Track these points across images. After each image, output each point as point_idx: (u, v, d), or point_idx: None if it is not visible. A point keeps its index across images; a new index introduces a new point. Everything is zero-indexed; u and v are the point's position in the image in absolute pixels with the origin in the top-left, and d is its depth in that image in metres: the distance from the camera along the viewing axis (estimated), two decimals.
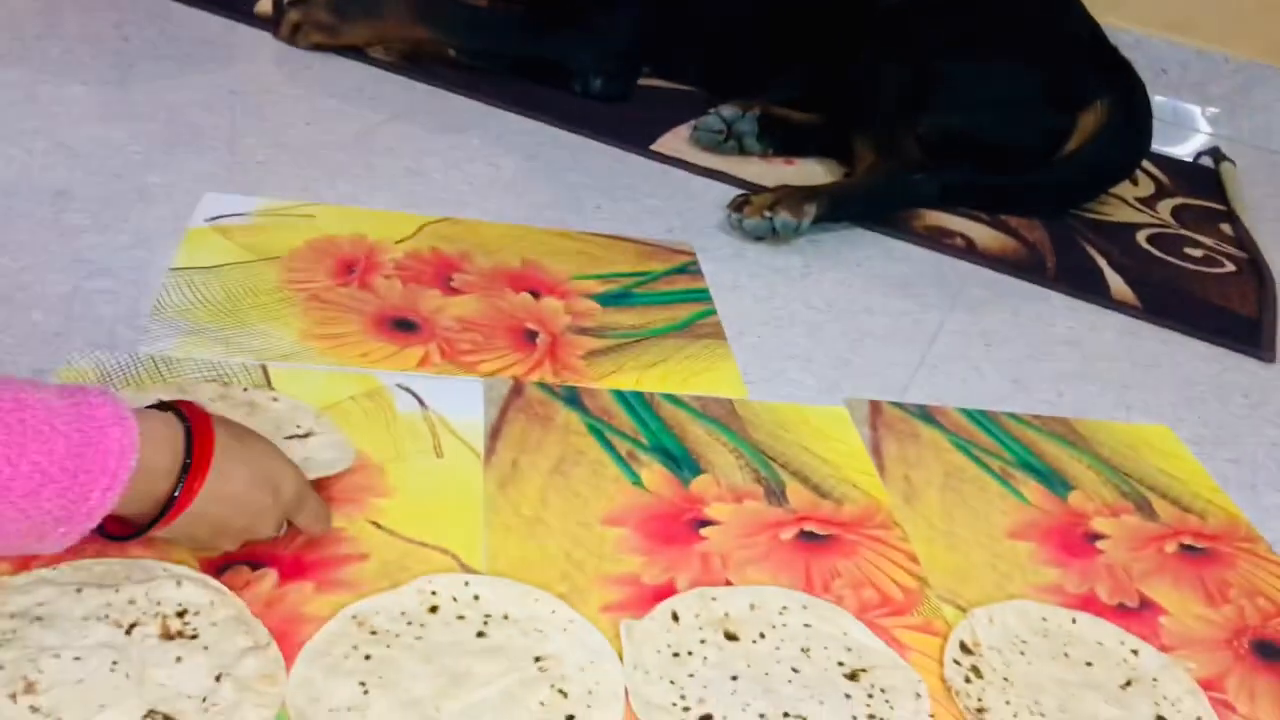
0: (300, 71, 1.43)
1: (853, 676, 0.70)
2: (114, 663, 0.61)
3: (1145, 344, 1.21)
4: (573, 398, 0.92)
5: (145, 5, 1.52)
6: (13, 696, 0.58)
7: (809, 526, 0.83)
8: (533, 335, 0.99)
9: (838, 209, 1.30)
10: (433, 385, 0.90)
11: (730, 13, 1.56)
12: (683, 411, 0.93)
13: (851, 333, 1.11)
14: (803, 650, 0.72)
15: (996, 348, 1.14)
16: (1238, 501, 0.96)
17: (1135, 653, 0.77)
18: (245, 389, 0.84)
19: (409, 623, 0.68)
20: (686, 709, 0.66)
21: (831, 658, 0.71)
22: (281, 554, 0.71)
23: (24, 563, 0.66)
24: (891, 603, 0.78)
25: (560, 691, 0.65)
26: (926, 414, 0.99)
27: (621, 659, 0.68)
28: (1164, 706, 0.73)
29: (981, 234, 1.36)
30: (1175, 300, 1.30)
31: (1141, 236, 1.46)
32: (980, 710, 0.70)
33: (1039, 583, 0.82)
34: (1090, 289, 1.29)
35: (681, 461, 0.87)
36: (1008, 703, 0.71)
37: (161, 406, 0.63)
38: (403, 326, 0.97)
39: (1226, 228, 1.54)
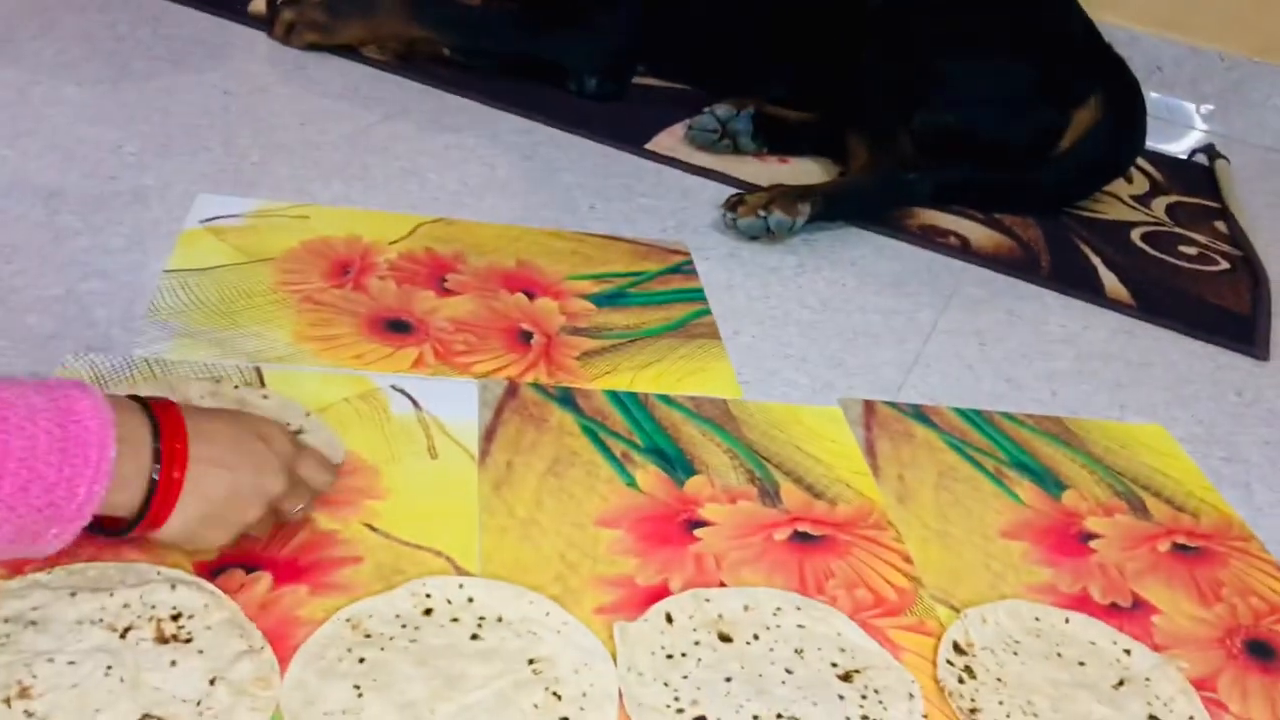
0: (294, 71, 1.43)
1: (846, 677, 0.71)
2: (108, 667, 0.61)
3: (1139, 342, 1.21)
4: (567, 399, 0.92)
5: (139, 5, 1.52)
6: (7, 701, 0.58)
7: (803, 527, 0.83)
8: (527, 336, 0.99)
9: (832, 208, 1.30)
10: (427, 387, 0.90)
11: (724, 11, 1.56)
12: (677, 412, 0.93)
13: (846, 332, 1.11)
14: (796, 651, 0.72)
15: (990, 346, 1.14)
16: (1231, 500, 0.96)
17: (1128, 652, 0.77)
18: (236, 386, 0.85)
19: (403, 625, 0.68)
20: (680, 711, 0.66)
21: (825, 659, 0.72)
22: (276, 557, 0.71)
23: (17, 566, 0.66)
24: (885, 603, 0.78)
25: (554, 694, 0.65)
26: (920, 413, 1.00)
27: (615, 661, 0.68)
28: (1156, 706, 0.73)
29: (976, 232, 1.37)
30: (1169, 298, 1.30)
31: (1136, 234, 1.46)
32: (973, 710, 0.70)
33: (1032, 582, 0.83)
34: (1084, 287, 1.29)
35: (676, 462, 0.87)
36: (1000, 703, 0.71)
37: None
38: (397, 328, 0.97)
39: (1221, 225, 1.54)
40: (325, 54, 1.48)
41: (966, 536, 0.86)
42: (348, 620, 0.67)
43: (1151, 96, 1.85)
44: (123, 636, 0.63)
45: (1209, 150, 1.77)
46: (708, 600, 0.74)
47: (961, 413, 1.01)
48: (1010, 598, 0.80)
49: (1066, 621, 0.79)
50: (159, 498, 0.63)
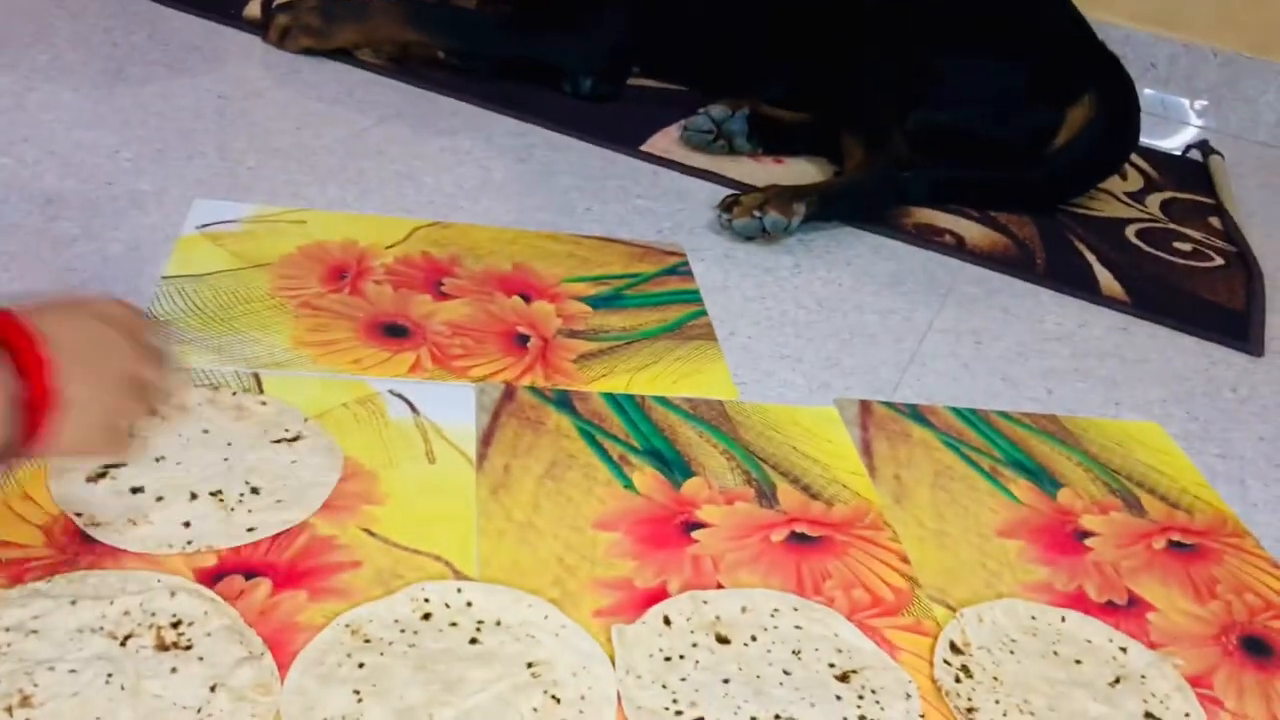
0: (289, 75, 1.43)
1: (844, 678, 0.71)
2: (109, 675, 0.62)
3: (1134, 339, 1.21)
4: (564, 401, 0.92)
5: (134, 10, 1.52)
6: (8, 710, 0.59)
7: (800, 528, 0.84)
8: (524, 339, 1.00)
9: (827, 207, 1.31)
10: (425, 391, 0.90)
11: (719, 11, 1.56)
12: (674, 414, 0.94)
13: (842, 332, 1.12)
14: (794, 652, 0.72)
15: (986, 345, 1.15)
16: (1225, 496, 0.97)
17: (1124, 650, 0.78)
18: (234, 393, 0.85)
19: (402, 630, 0.68)
20: (679, 713, 0.66)
21: (822, 659, 0.72)
22: (275, 563, 0.71)
23: (18, 575, 0.67)
24: (882, 603, 0.78)
25: (553, 697, 0.66)
26: (917, 413, 1.00)
27: (614, 664, 0.69)
28: (1152, 703, 0.74)
29: (971, 231, 1.37)
30: (1164, 295, 1.31)
31: (1130, 231, 1.46)
32: (970, 710, 0.70)
33: (1028, 581, 0.83)
34: (1079, 285, 1.30)
35: (673, 464, 0.88)
36: (997, 702, 0.71)
37: None
38: (394, 332, 0.97)
39: (1215, 221, 1.55)
40: (320, 58, 1.48)
41: (963, 536, 0.86)
42: (347, 625, 0.68)
43: (1146, 93, 1.86)
44: (123, 644, 0.63)
45: (1203, 146, 1.77)
46: (705, 602, 0.75)
47: (958, 412, 1.01)
48: (1006, 597, 0.81)
49: (1063, 620, 0.79)
50: (32, 414, 0.57)
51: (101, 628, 0.64)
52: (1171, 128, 1.92)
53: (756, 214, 1.24)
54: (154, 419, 0.67)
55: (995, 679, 0.73)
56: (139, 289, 0.96)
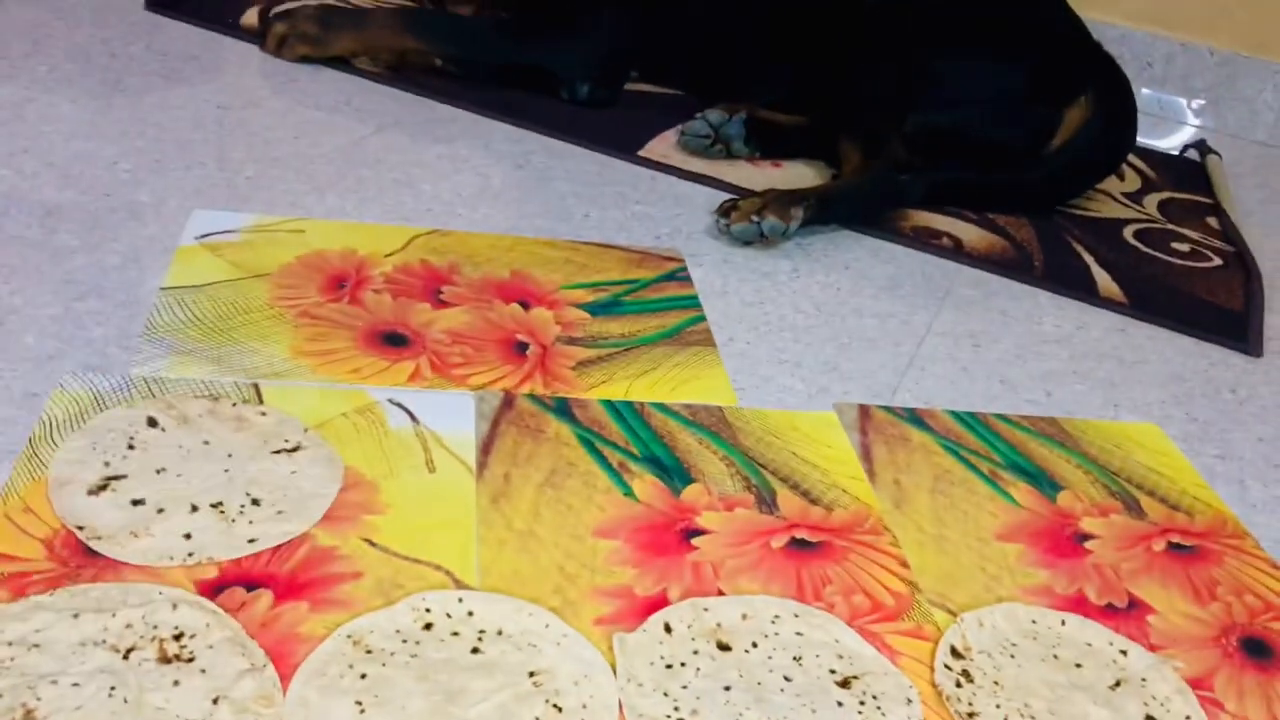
0: (287, 84, 1.43)
1: (845, 684, 0.71)
2: (112, 688, 0.62)
3: (1133, 341, 1.21)
4: (563, 409, 0.93)
5: (131, 20, 1.52)
6: None
7: (800, 534, 0.84)
8: (523, 347, 1.00)
9: (825, 211, 1.31)
10: (424, 400, 0.90)
11: (716, 15, 1.57)
12: (673, 420, 0.94)
13: (840, 336, 1.12)
14: (795, 659, 0.72)
15: (985, 348, 1.15)
16: (1225, 497, 0.97)
17: (1124, 653, 0.78)
18: (234, 404, 0.85)
19: (403, 640, 0.68)
20: None
21: (823, 665, 0.72)
22: (276, 574, 0.71)
23: (19, 589, 0.67)
24: (882, 608, 0.78)
25: (555, 706, 0.66)
26: (916, 417, 1.00)
27: (615, 672, 0.69)
28: (1153, 706, 0.74)
29: (969, 233, 1.37)
30: (1162, 296, 1.31)
31: (1128, 232, 1.47)
32: (971, 715, 0.70)
33: (1028, 584, 0.83)
34: (1078, 287, 1.30)
35: (672, 471, 0.88)
36: (998, 706, 0.71)
37: None
38: (393, 341, 0.97)
39: (1213, 221, 1.55)
40: (318, 66, 1.48)
41: (962, 540, 0.86)
42: (349, 636, 0.68)
43: (1143, 93, 1.87)
44: (125, 657, 0.64)
45: (1201, 146, 1.78)
46: (706, 609, 0.75)
47: (956, 415, 1.01)
48: (1007, 600, 0.81)
49: (1063, 623, 0.80)
50: None
51: (104, 641, 0.64)
52: (1169, 127, 1.93)
53: (754, 219, 1.24)
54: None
55: (996, 683, 0.73)
56: (138, 300, 0.96)
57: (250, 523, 0.75)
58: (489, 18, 1.58)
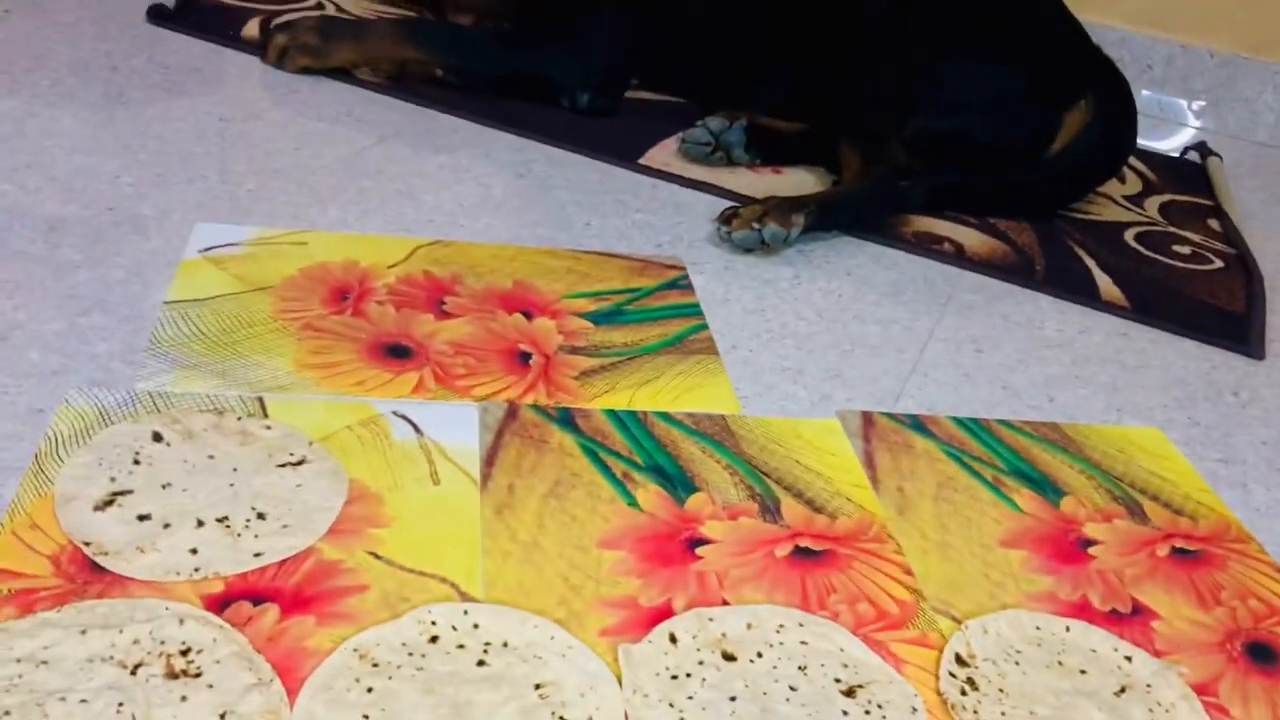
0: (288, 96, 1.44)
1: (850, 693, 0.71)
2: (120, 704, 0.62)
3: (1135, 345, 1.22)
4: (566, 419, 0.93)
5: (133, 33, 1.53)
6: None
7: (804, 542, 0.84)
8: (526, 357, 1.00)
9: (826, 217, 1.31)
10: (428, 411, 0.90)
11: (716, 22, 1.57)
12: (676, 429, 0.94)
13: (843, 342, 1.12)
14: (800, 668, 0.72)
15: (987, 353, 1.15)
16: (1228, 501, 0.97)
17: (1129, 659, 0.78)
18: (239, 418, 0.86)
19: (410, 653, 0.69)
20: None
21: (828, 675, 0.72)
22: (283, 588, 0.72)
23: (27, 606, 0.67)
24: (887, 617, 0.78)
25: (561, 718, 0.66)
26: (919, 423, 1.00)
27: (621, 683, 0.69)
28: (1158, 712, 0.74)
29: (970, 238, 1.37)
30: (1164, 299, 1.31)
31: (1129, 235, 1.47)
32: None
33: (1032, 591, 0.83)
34: (1079, 291, 1.30)
35: (676, 480, 0.88)
36: (1003, 714, 0.71)
37: None
38: (397, 353, 0.97)
39: (1214, 223, 1.55)
40: (318, 77, 1.49)
41: (966, 547, 0.87)
42: (355, 650, 0.68)
43: (1143, 94, 1.87)
44: (133, 673, 0.64)
45: (1201, 148, 1.78)
46: (711, 619, 0.75)
47: (960, 422, 1.02)
48: (1011, 607, 0.81)
49: (1067, 630, 0.80)
50: None
51: (111, 657, 0.65)
52: (1169, 129, 1.93)
53: (755, 226, 1.24)
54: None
55: (1001, 691, 0.73)
56: (142, 314, 0.97)
57: (256, 537, 0.75)
58: (489, 28, 1.59)
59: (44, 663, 0.64)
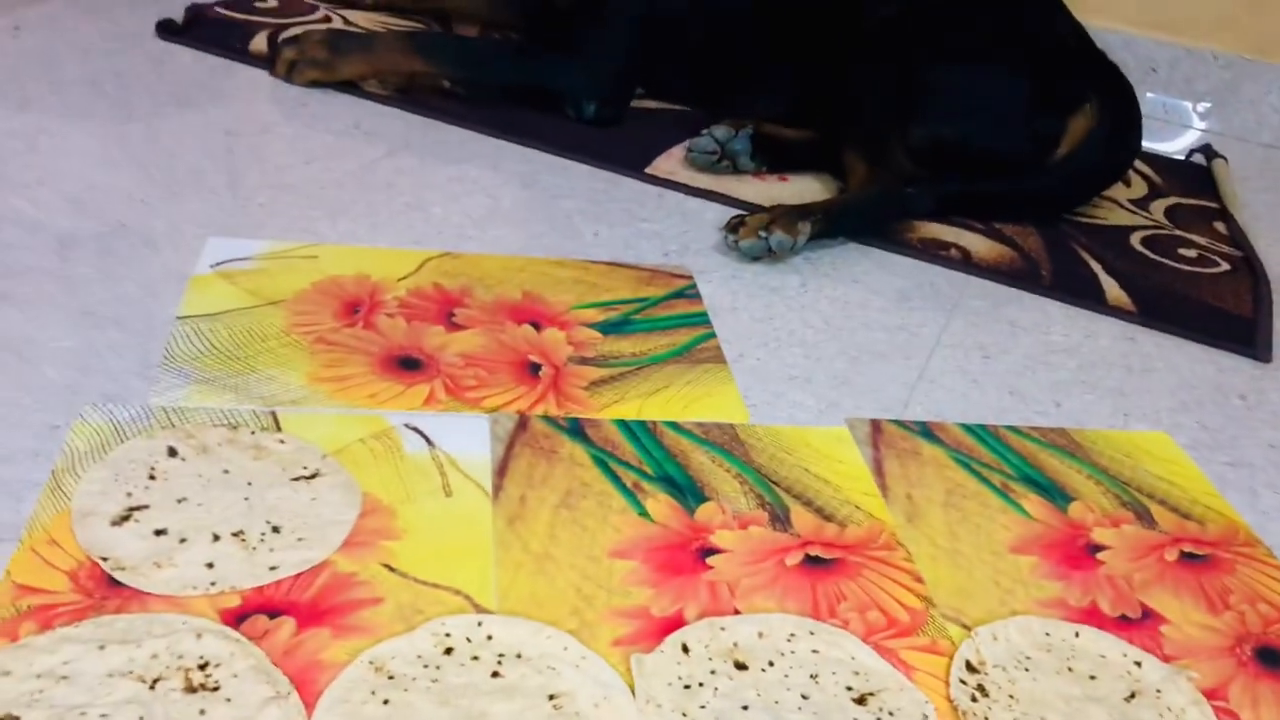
0: (297, 109, 1.45)
1: (861, 701, 0.72)
2: (140, 718, 0.63)
3: (1141, 349, 1.22)
4: (577, 430, 0.93)
5: (142, 48, 1.54)
6: None
7: (814, 550, 0.85)
8: (536, 368, 1.01)
9: (833, 225, 1.32)
10: (440, 424, 0.91)
11: (721, 31, 1.58)
12: (685, 439, 0.95)
13: (850, 350, 1.13)
14: (811, 676, 0.73)
15: (994, 359, 1.15)
16: (1236, 505, 0.97)
17: (1138, 664, 0.78)
18: (253, 432, 0.86)
19: (425, 665, 0.69)
20: None
21: (840, 682, 0.73)
22: (298, 601, 0.72)
23: (46, 622, 0.68)
24: (897, 624, 0.79)
25: None
26: (927, 430, 1.01)
27: (634, 693, 0.70)
28: (1168, 718, 0.74)
29: (977, 244, 1.38)
30: (1170, 303, 1.31)
31: (1135, 239, 1.47)
32: None
33: (1041, 597, 0.84)
34: (1086, 295, 1.30)
35: (686, 490, 0.89)
36: None
37: None
38: (408, 365, 0.98)
39: (1220, 226, 1.55)
40: (327, 90, 1.50)
41: (976, 553, 0.87)
42: (370, 662, 0.69)
43: (1147, 97, 1.87)
44: (152, 688, 0.65)
45: (1206, 150, 1.78)
46: (722, 629, 0.76)
47: (968, 428, 1.02)
48: (1020, 613, 0.82)
49: (1076, 635, 0.80)
50: None
51: (130, 671, 0.65)
52: (1174, 131, 1.93)
53: (762, 234, 1.25)
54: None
55: (1011, 697, 0.74)
56: (155, 329, 0.97)
57: (271, 550, 0.76)
58: (496, 39, 1.60)
59: (64, 678, 0.64)
